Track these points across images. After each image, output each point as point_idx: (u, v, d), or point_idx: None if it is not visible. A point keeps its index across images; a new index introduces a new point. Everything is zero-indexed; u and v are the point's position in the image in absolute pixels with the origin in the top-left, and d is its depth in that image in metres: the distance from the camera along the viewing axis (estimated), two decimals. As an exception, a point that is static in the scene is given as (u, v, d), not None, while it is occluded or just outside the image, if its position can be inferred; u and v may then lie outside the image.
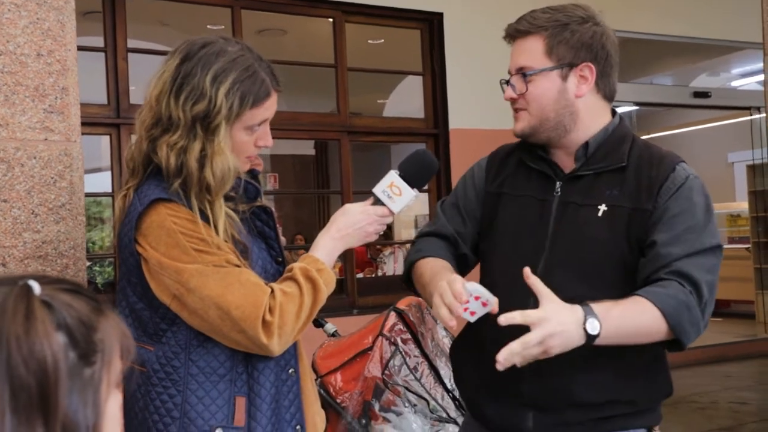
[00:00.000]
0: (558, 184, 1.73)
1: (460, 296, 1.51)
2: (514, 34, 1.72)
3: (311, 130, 6.12)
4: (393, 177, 1.70)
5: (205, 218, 1.55)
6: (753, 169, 9.00)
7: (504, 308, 1.58)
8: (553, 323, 1.42)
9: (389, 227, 8.03)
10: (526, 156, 1.79)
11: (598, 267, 1.64)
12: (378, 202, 1.71)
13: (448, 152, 5.91)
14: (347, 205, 1.72)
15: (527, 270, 1.51)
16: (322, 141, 9.53)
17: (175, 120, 1.56)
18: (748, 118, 8.25)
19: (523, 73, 1.70)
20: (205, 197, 1.55)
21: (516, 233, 1.76)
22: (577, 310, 1.46)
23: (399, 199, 1.70)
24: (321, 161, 10.99)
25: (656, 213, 1.62)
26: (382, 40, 6.93)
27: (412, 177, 1.71)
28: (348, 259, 5.85)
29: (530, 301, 1.54)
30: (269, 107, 1.63)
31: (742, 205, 10.05)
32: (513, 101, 1.73)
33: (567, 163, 1.74)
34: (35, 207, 1.88)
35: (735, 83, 9.87)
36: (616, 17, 7.55)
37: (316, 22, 6.12)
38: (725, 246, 10.45)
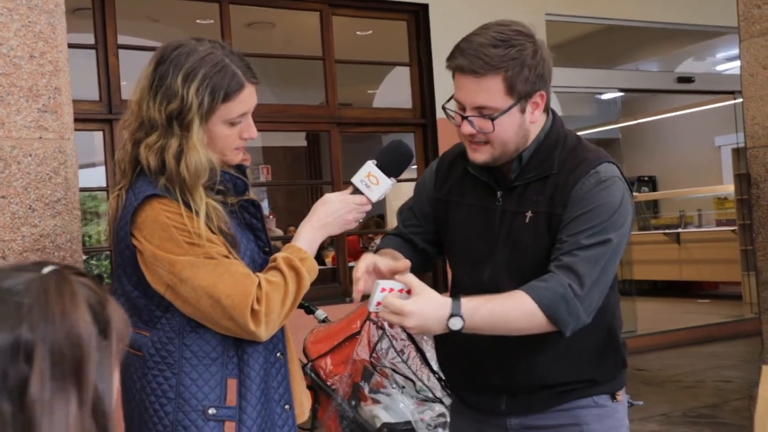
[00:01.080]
0: (499, 194, 1.80)
1: (357, 282, 1.68)
2: (468, 72, 1.67)
3: (301, 122, 6.20)
4: (370, 167, 1.77)
5: (193, 212, 1.63)
6: (738, 153, 9.09)
7: None
8: (414, 319, 1.58)
9: (382, 216, 8.12)
10: (472, 166, 1.83)
11: (533, 270, 1.72)
12: (356, 191, 1.78)
13: (436, 142, 5.99)
14: (327, 195, 1.80)
15: (403, 271, 1.67)
16: (313, 132, 9.59)
17: (154, 121, 1.64)
18: (733, 102, 8.35)
19: (486, 114, 1.69)
20: (186, 191, 1.63)
21: (466, 239, 1.85)
22: (443, 306, 1.60)
23: (376, 188, 1.77)
24: (313, 152, 11.05)
25: (565, 215, 1.70)
26: (371, 32, 7.00)
27: (389, 166, 1.79)
28: (340, 248, 5.95)
29: None
30: (244, 100, 1.68)
31: (729, 188, 10.16)
32: (472, 136, 1.73)
33: (508, 172, 1.80)
34: (32, 202, 1.97)
35: (720, 67, 9.95)
36: (603, 4, 7.61)
37: (304, 15, 6.18)
38: (713, 229, 10.61)
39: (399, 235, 1.98)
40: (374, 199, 1.79)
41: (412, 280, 1.62)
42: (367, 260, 1.71)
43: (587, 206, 1.69)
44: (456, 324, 1.59)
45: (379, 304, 1.61)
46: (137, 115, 1.68)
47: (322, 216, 1.76)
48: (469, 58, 1.66)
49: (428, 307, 1.58)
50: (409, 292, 1.62)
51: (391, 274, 1.69)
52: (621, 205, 1.71)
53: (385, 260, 1.74)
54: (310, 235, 1.75)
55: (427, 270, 1.98)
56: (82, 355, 0.81)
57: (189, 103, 1.62)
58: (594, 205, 1.69)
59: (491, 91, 1.67)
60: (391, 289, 1.62)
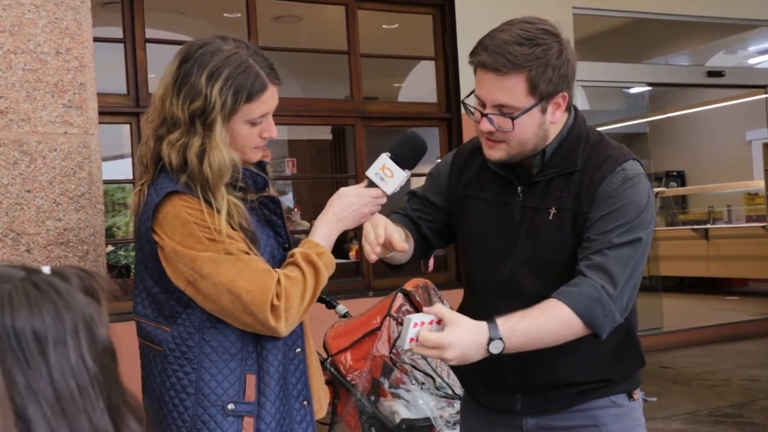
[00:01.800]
0: (519, 189, 1.78)
1: (379, 238, 1.67)
2: (491, 69, 1.64)
3: (326, 116, 6.21)
4: (384, 160, 1.77)
5: (214, 209, 1.64)
6: (769, 148, 8.96)
7: (481, 301, 1.73)
8: (453, 350, 1.55)
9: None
10: (490, 161, 1.80)
11: (557, 267, 1.71)
12: (371, 184, 1.78)
13: (461, 136, 5.97)
14: (342, 189, 1.80)
15: (435, 305, 1.66)
16: (338, 126, 9.61)
17: (177, 119, 1.66)
18: (765, 96, 8.22)
19: (506, 113, 1.66)
20: (207, 189, 1.64)
21: (485, 234, 1.83)
22: (482, 332, 1.56)
23: (391, 180, 1.77)
24: (338, 146, 11.06)
25: (591, 214, 1.68)
26: (397, 25, 6.99)
27: (403, 159, 1.78)
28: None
29: (503, 296, 1.74)
30: (266, 101, 1.69)
31: (760, 184, 10.00)
32: (490, 133, 1.71)
33: (530, 167, 1.78)
34: (57, 196, 2.00)
35: (752, 61, 9.80)
36: (631, -3, 7.38)
37: (330, 8, 6.19)
38: (743, 225, 10.47)
39: (406, 216, 1.96)
40: (389, 191, 1.79)
41: (443, 310, 1.60)
42: (380, 226, 1.70)
43: (615, 204, 1.67)
44: (497, 347, 1.56)
45: (412, 340, 1.57)
46: (160, 111, 1.69)
47: (338, 210, 1.77)
48: (492, 55, 1.64)
49: (466, 335, 1.55)
50: (439, 322, 1.59)
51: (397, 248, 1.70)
52: (648, 203, 1.70)
53: (397, 232, 1.74)
54: (326, 229, 1.76)
55: (424, 257, 1.97)
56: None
57: (212, 102, 1.63)
58: (622, 204, 1.67)
59: (513, 90, 1.64)
60: (423, 323, 1.58)
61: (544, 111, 1.68)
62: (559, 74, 1.65)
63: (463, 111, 6.31)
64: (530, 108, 1.66)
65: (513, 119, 1.66)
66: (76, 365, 0.79)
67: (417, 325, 1.57)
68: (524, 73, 1.63)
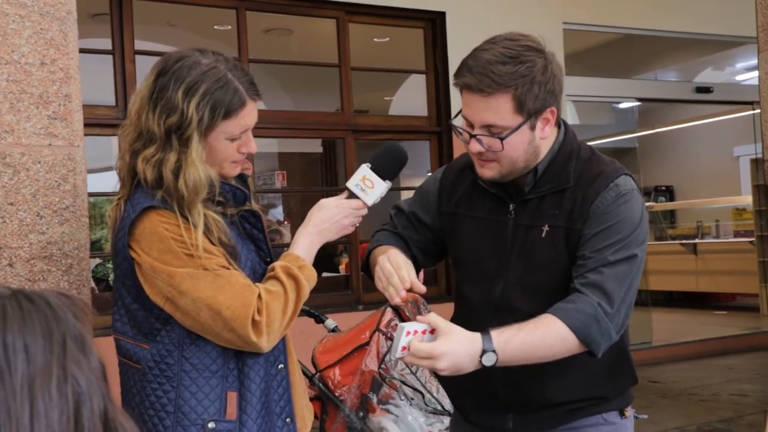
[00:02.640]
0: (511, 206, 1.76)
1: (405, 282, 1.63)
2: (476, 90, 1.63)
3: (316, 129, 6.19)
4: (365, 171, 1.76)
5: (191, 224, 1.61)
6: (757, 163, 9.01)
7: (473, 321, 1.71)
8: (446, 360, 1.52)
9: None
10: (481, 179, 1.79)
11: (550, 286, 1.69)
12: (352, 195, 1.76)
13: (452, 149, 5.97)
14: (322, 200, 1.78)
15: (429, 314, 1.61)
16: (329, 139, 9.60)
17: (153, 133, 1.63)
18: (752, 112, 8.27)
19: (495, 133, 1.65)
20: (183, 205, 1.61)
21: (476, 253, 1.81)
22: (475, 343, 1.54)
23: (372, 191, 1.76)
24: (329, 159, 11.05)
25: (585, 231, 1.67)
26: (388, 39, 6.99)
27: (384, 169, 1.77)
28: (353, 256, 5.93)
29: (495, 315, 1.71)
30: (245, 117, 1.66)
31: (747, 199, 10.06)
32: (480, 153, 1.69)
33: (521, 185, 1.76)
34: (40, 209, 1.97)
35: (740, 77, 9.86)
36: (621, 13, 7.57)
37: (320, 22, 6.19)
38: (731, 240, 10.51)
39: (396, 234, 1.93)
40: (370, 202, 1.78)
41: (437, 319, 1.57)
42: (403, 268, 1.67)
43: (609, 221, 1.65)
44: (490, 359, 1.54)
45: (404, 348, 1.55)
46: (136, 125, 1.67)
47: (319, 222, 1.75)
48: (477, 76, 1.62)
49: (459, 345, 1.53)
50: (432, 332, 1.56)
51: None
52: (642, 219, 1.69)
53: (409, 266, 1.72)
54: (307, 241, 1.73)
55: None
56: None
57: (189, 118, 1.60)
58: (616, 220, 1.66)
59: (500, 110, 1.62)
60: (416, 332, 1.55)
61: (533, 128, 1.67)
62: (545, 90, 1.63)
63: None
64: (519, 126, 1.64)
65: (502, 139, 1.64)
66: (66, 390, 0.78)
67: (410, 334, 1.55)
68: (510, 92, 1.61)
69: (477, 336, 1.55)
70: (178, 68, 1.63)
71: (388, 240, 1.90)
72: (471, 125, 1.69)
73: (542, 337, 1.59)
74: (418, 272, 1.97)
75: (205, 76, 1.62)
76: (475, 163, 1.75)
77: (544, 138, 1.71)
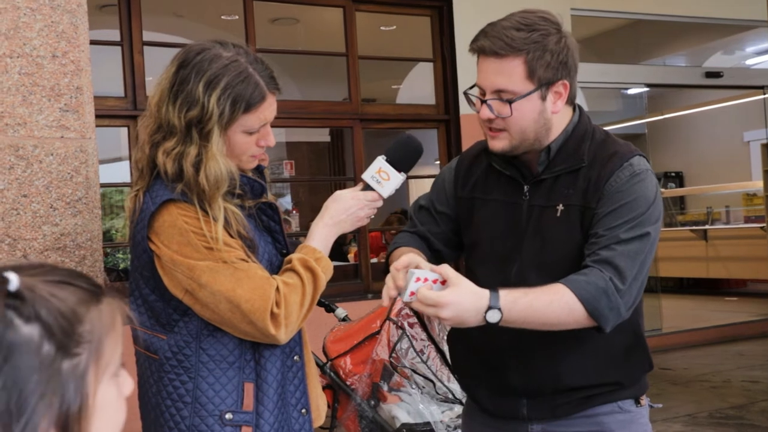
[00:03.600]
0: (526, 187, 1.77)
1: (398, 285, 1.60)
2: (489, 53, 1.66)
3: (324, 118, 6.19)
4: (381, 163, 1.76)
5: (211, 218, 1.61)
6: (767, 148, 8.96)
7: None
8: (451, 309, 1.53)
9: (405, 213, 8.10)
10: (496, 161, 1.81)
11: (565, 265, 1.69)
12: (368, 187, 1.77)
13: (459, 138, 5.96)
14: (338, 192, 1.78)
15: (443, 265, 1.60)
16: (336, 128, 9.60)
17: (173, 126, 1.62)
18: (762, 96, 8.21)
19: (505, 98, 1.67)
20: (204, 199, 1.61)
21: (491, 236, 1.82)
22: (482, 297, 1.55)
23: (387, 183, 1.76)
24: (336, 148, 11.05)
25: (599, 209, 1.67)
26: (395, 27, 6.98)
27: (399, 161, 1.77)
28: (362, 244, 5.94)
29: None
30: (264, 110, 1.66)
31: (758, 184, 9.99)
32: (490, 121, 1.71)
33: (534, 165, 1.77)
34: (53, 201, 1.98)
35: (749, 61, 9.80)
36: (629, -2, 7.40)
37: (327, 10, 6.18)
38: (741, 225, 10.46)
39: (416, 234, 1.95)
40: (385, 195, 1.78)
41: (448, 270, 1.58)
42: (409, 259, 1.65)
43: (623, 199, 1.66)
44: (494, 316, 1.55)
45: (413, 294, 1.56)
46: (156, 117, 1.66)
47: (335, 213, 1.75)
48: (491, 39, 1.66)
49: (466, 298, 1.54)
50: (443, 282, 1.57)
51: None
52: (656, 198, 1.69)
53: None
54: (323, 233, 1.74)
55: None
56: (18, 373, 0.76)
57: (209, 111, 1.60)
58: (630, 198, 1.66)
59: (512, 74, 1.65)
60: (426, 279, 1.57)
61: (543, 98, 1.68)
62: (557, 60, 1.66)
63: (462, 112, 6.24)
64: (529, 93, 1.66)
65: (511, 103, 1.66)
66: None
67: (419, 281, 1.56)
68: (522, 56, 1.64)
69: (485, 292, 1.56)
70: (199, 61, 1.62)
71: (406, 242, 1.91)
72: (483, 93, 1.71)
73: (549, 304, 1.60)
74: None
75: (226, 69, 1.61)
76: (486, 135, 1.77)
77: (555, 112, 1.72)
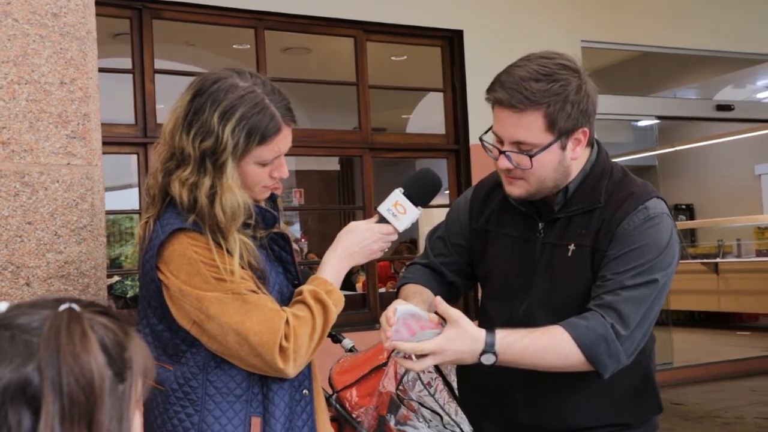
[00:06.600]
0: (541, 225, 1.74)
1: (389, 321, 1.60)
2: (507, 106, 1.62)
3: (334, 147, 6.19)
4: (398, 196, 1.73)
5: (224, 250, 1.58)
6: (779, 182, 8.91)
7: None
8: (448, 354, 1.54)
9: (414, 242, 8.08)
10: (511, 197, 1.78)
11: (573, 306, 1.66)
12: (383, 220, 1.73)
13: (469, 168, 5.95)
14: (352, 223, 1.75)
15: (438, 298, 1.61)
16: (346, 157, 9.62)
17: (187, 155, 1.60)
18: (773, 130, 8.19)
19: (525, 152, 1.63)
20: (217, 231, 1.58)
21: (503, 271, 1.79)
22: (477, 341, 1.55)
23: (404, 217, 1.73)
24: (346, 176, 11.07)
25: (609, 251, 1.64)
26: (405, 57, 7.01)
27: (417, 195, 1.74)
28: (370, 273, 5.91)
29: None
30: (279, 142, 1.63)
31: (769, 218, 9.95)
32: (509, 171, 1.68)
33: (551, 203, 1.75)
34: (58, 228, 1.96)
35: (760, 95, 9.79)
36: (639, 31, 7.54)
37: (338, 40, 6.21)
38: (753, 259, 10.37)
39: (428, 266, 1.92)
40: (401, 228, 1.75)
41: (447, 309, 1.58)
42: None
43: (634, 243, 1.63)
44: (489, 359, 1.55)
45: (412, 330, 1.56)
46: (169, 145, 1.64)
47: (348, 245, 1.72)
48: (509, 91, 1.61)
49: (461, 340, 1.54)
50: (440, 322, 1.57)
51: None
52: (669, 244, 1.65)
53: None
54: (335, 265, 1.71)
55: (455, 301, 1.92)
56: (93, 401, 0.78)
57: (224, 142, 1.57)
58: (641, 243, 1.62)
59: (531, 127, 1.61)
60: (423, 327, 1.57)
61: (563, 147, 1.65)
62: (578, 110, 1.62)
63: (472, 143, 6.22)
64: (549, 145, 1.62)
65: (531, 156, 1.62)
66: None
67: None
68: (542, 110, 1.60)
69: (481, 334, 1.56)
70: (215, 90, 1.60)
71: (415, 276, 1.90)
72: (501, 141, 1.67)
73: (546, 348, 1.58)
74: (459, 297, 1.97)
75: (242, 100, 1.59)
76: (503, 180, 1.74)
77: (574, 159, 1.68)
